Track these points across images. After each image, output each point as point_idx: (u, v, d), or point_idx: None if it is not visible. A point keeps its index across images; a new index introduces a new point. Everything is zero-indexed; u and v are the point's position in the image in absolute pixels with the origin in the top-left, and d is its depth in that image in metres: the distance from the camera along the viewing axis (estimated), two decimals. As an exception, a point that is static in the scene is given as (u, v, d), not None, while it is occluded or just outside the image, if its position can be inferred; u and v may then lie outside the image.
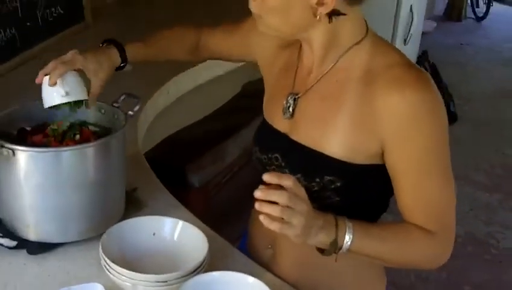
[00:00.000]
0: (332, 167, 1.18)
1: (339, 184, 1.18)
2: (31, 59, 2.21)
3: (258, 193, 1.03)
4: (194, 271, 1.19)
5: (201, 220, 1.41)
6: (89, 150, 1.29)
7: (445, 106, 1.15)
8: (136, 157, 1.68)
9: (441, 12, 7.78)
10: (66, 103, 1.31)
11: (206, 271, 1.18)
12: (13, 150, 1.23)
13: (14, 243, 1.32)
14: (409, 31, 4.46)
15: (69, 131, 1.37)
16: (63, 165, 1.27)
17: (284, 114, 1.27)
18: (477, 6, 7.67)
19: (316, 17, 1.11)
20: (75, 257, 1.32)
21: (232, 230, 1.75)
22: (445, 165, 1.16)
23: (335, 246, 1.10)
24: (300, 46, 1.27)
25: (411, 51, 4.66)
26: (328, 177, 1.18)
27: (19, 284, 1.24)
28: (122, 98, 1.41)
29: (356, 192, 1.21)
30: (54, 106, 1.31)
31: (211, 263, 1.23)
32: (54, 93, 1.30)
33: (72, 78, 1.31)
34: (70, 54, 1.32)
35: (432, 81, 1.14)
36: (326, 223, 1.10)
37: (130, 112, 1.38)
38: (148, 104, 1.99)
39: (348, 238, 1.11)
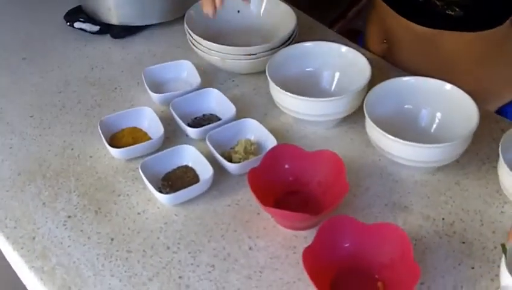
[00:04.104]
0: None
1: None
2: None
3: None
4: (284, 43, 1.13)
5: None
6: None
7: None
8: None
9: None
10: None
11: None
12: None
13: (96, 28, 1.28)
14: None
15: None
16: None
17: None
18: None
19: None
20: (160, 40, 1.28)
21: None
22: None
23: None
24: None
25: None
26: None
27: (106, 66, 1.22)
28: None
29: None
30: None
31: (300, 41, 1.17)
32: None
33: None
34: None
35: None
36: None
37: None
38: None
39: None
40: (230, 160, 0.97)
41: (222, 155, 0.97)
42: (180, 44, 1.25)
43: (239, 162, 0.97)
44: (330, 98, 0.99)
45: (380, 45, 1.25)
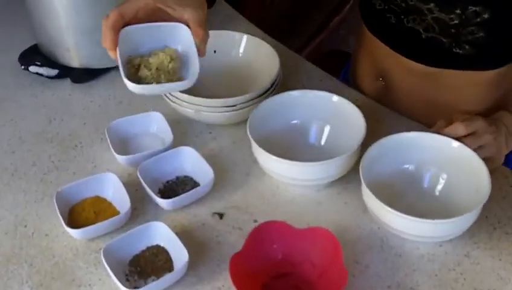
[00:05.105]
0: None
1: (486, 16, 0.92)
2: None
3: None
4: (267, 91, 1.00)
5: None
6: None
7: None
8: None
9: None
10: None
11: (279, 92, 0.99)
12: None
13: (55, 72, 1.14)
14: None
15: None
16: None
17: None
18: None
19: None
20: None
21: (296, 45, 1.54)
22: None
23: None
24: None
25: None
26: (473, 8, 0.92)
27: (66, 118, 1.08)
28: None
29: (507, 26, 0.95)
30: None
31: (284, 83, 1.05)
32: None
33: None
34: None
35: None
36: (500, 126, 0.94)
37: None
38: None
39: None
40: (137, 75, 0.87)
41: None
42: (149, 88, 1.11)
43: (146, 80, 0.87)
44: (319, 162, 0.86)
45: (373, 82, 1.13)
